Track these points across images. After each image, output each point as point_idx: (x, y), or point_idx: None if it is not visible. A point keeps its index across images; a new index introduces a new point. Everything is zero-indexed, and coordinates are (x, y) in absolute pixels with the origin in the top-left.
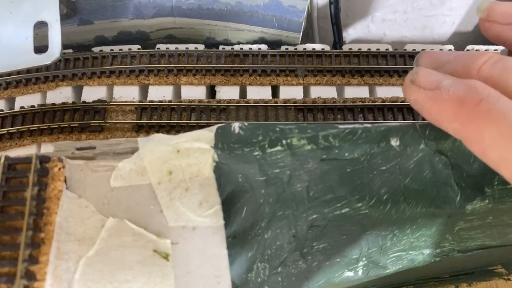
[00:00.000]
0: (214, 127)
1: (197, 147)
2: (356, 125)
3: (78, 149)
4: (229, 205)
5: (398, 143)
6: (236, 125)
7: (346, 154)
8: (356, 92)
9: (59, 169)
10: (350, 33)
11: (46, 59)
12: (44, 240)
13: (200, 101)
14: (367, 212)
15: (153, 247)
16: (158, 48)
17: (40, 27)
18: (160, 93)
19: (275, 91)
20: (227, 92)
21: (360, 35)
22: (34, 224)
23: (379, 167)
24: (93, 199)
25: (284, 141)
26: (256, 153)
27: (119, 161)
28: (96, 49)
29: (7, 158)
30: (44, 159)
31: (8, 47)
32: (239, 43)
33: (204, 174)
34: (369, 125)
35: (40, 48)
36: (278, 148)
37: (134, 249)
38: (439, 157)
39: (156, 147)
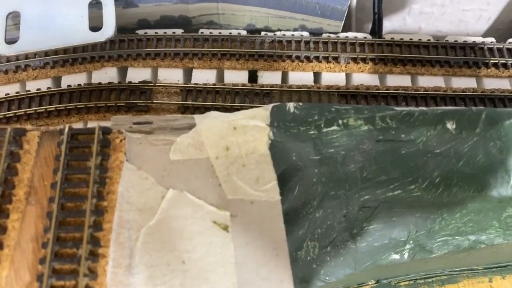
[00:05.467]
0: (270, 106)
1: (253, 125)
2: (412, 108)
3: (135, 123)
4: (282, 183)
5: (454, 126)
6: (291, 105)
7: (403, 135)
8: (398, 80)
9: (120, 140)
10: (385, 25)
11: (100, 36)
12: (107, 209)
13: (243, 85)
14: (419, 194)
15: (212, 219)
16: (202, 33)
17: (94, 6)
18: (203, 76)
19: (316, 77)
20: (270, 77)
21: (395, 27)
22: (97, 192)
23: (434, 150)
24: (152, 171)
25: (340, 121)
26: (312, 132)
27: (177, 136)
28: (140, 32)
29: (70, 128)
30: (106, 131)
31: (65, 25)
32: (279, 30)
33: (260, 151)
34: (425, 108)
35: (94, 27)
36: (334, 127)
37: (194, 220)
38: (493, 142)
39: (213, 123)
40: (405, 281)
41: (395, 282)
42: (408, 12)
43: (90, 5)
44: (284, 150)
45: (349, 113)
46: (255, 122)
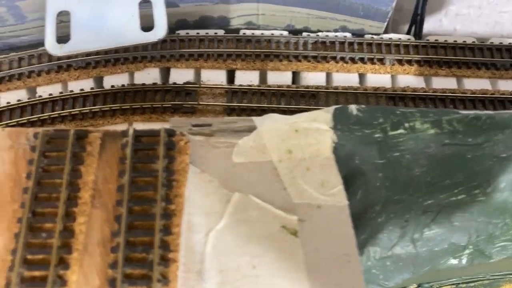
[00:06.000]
0: (331, 108)
1: (316, 127)
2: (478, 111)
3: (194, 125)
4: (344, 187)
5: None
6: (353, 107)
7: (470, 139)
8: (443, 83)
9: (185, 143)
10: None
11: (153, 36)
12: (175, 212)
13: (288, 86)
14: (483, 199)
15: (280, 223)
16: (244, 33)
17: (144, 6)
18: (247, 77)
19: (360, 79)
20: (313, 79)
21: (430, 29)
22: (165, 195)
23: (500, 154)
24: (216, 174)
25: (406, 124)
26: (377, 135)
27: (238, 138)
28: (182, 32)
29: (135, 130)
30: (170, 133)
31: (116, 25)
32: (319, 31)
33: (323, 154)
34: (491, 112)
35: (145, 27)
36: (401, 131)
37: (261, 224)
38: None
39: (274, 126)
40: (446, 285)
41: (437, 286)
42: (445, 13)
43: (140, 5)
44: (347, 153)
45: (415, 116)
46: (317, 124)
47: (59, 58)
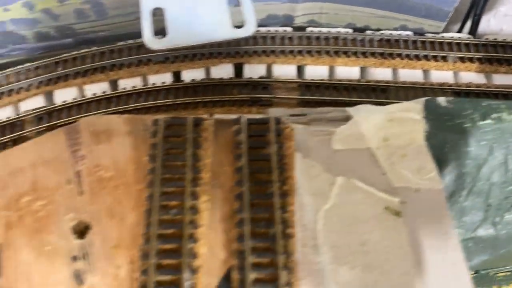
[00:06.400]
0: (422, 100)
1: (409, 117)
2: None
3: (291, 115)
4: None
5: None
6: (442, 99)
7: None
8: (504, 79)
9: (291, 130)
10: (467, 27)
11: (244, 32)
12: (288, 192)
13: (359, 80)
14: None
15: (384, 205)
16: (312, 31)
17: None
18: (316, 72)
19: (424, 75)
20: (380, 74)
21: (479, 29)
22: (278, 177)
23: None
24: (318, 159)
25: (494, 115)
26: (467, 125)
27: (335, 127)
28: None
29: (248, 118)
30: (277, 121)
31: (208, 21)
32: (379, 29)
33: (417, 142)
34: None
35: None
36: (488, 121)
37: (365, 206)
38: None
39: (369, 116)
40: (502, 272)
41: (493, 273)
42: (494, 14)
43: (229, 1)
44: (438, 141)
45: (501, 107)
46: (410, 114)
47: (137, 53)
